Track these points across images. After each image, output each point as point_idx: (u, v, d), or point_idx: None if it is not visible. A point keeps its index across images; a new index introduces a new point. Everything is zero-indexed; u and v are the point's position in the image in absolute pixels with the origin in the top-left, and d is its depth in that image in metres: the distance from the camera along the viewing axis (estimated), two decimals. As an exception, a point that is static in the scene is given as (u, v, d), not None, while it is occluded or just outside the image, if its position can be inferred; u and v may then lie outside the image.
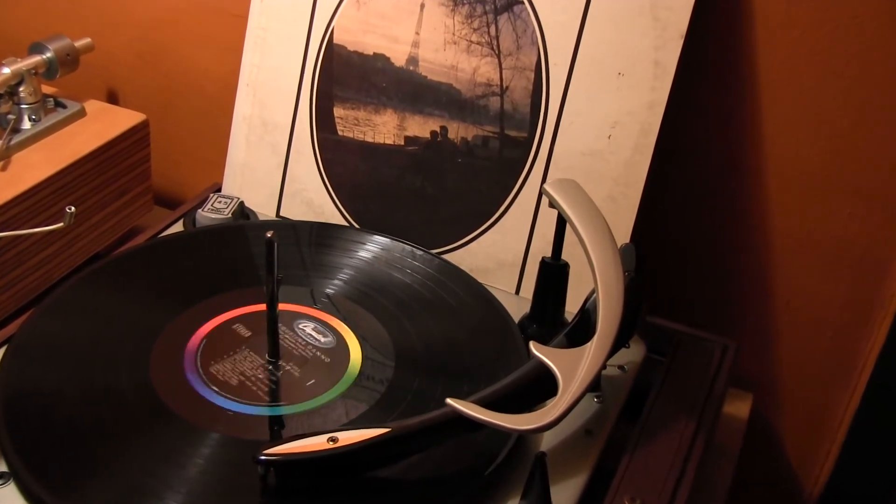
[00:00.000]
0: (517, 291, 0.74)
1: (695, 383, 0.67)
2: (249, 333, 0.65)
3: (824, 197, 0.75)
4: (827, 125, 0.72)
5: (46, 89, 0.87)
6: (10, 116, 0.82)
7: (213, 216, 0.77)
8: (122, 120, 0.86)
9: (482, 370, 0.63)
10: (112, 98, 1.03)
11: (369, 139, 0.78)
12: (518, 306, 0.70)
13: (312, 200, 0.80)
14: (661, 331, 0.71)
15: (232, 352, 0.64)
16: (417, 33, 0.75)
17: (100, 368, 0.61)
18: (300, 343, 0.65)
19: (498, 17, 0.72)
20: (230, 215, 0.77)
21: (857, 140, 0.72)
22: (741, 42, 0.72)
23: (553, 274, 0.66)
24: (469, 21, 0.73)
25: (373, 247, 0.75)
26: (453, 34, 0.74)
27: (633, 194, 0.70)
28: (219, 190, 0.83)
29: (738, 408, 0.78)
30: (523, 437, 0.59)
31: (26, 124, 0.83)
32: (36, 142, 0.82)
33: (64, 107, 0.86)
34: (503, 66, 0.73)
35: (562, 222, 0.63)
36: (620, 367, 0.66)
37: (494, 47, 0.73)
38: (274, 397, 0.60)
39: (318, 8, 0.78)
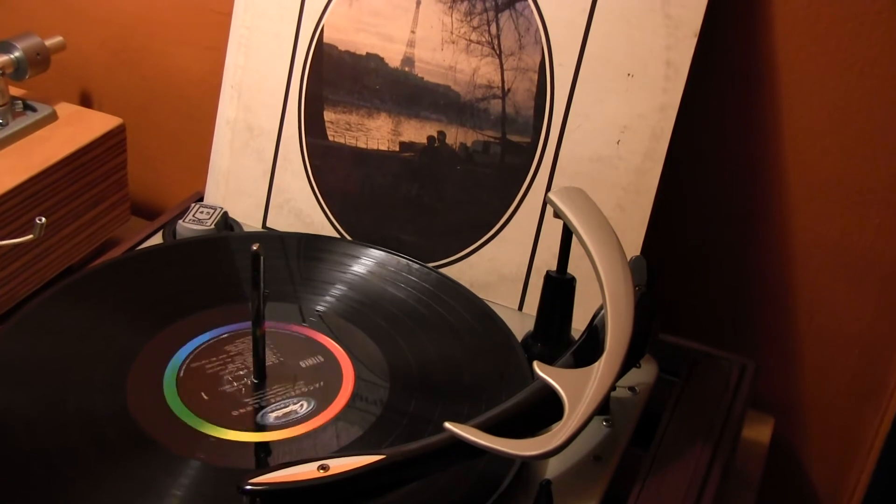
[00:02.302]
0: (520, 307, 0.74)
1: (711, 406, 0.67)
2: (234, 353, 0.66)
3: (851, 205, 0.75)
4: (853, 129, 0.73)
5: (14, 91, 0.87)
6: (-24, 121, 0.83)
7: (195, 227, 0.78)
8: (96, 124, 0.86)
9: (483, 392, 0.64)
10: (85, 101, 1.03)
11: (362, 145, 0.78)
12: (521, 323, 0.70)
13: (301, 210, 0.80)
14: (674, 349, 0.72)
15: (215, 373, 0.64)
16: (413, 32, 0.76)
17: (72, 393, 0.61)
18: (288, 363, 0.65)
19: (499, 15, 0.73)
20: (213, 226, 0.78)
21: (885, 145, 0.72)
22: (759, 40, 0.73)
23: (558, 289, 0.66)
24: (468, 19, 0.74)
25: (366, 260, 0.75)
26: (451, 33, 0.75)
27: (644, 203, 0.70)
28: (201, 199, 0.84)
29: (759, 432, 0.78)
30: (527, 464, 0.59)
31: (-7, 129, 0.83)
32: (3, 147, 0.82)
33: (34, 110, 0.86)
34: (505, 66, 0.73)
35: (568, 233, 0.64)
36: (631, 389, 0.67)
37: (495, 47, 0.74)
38: (260, 422, 0.61)
39: (307, 5, 0.79)
